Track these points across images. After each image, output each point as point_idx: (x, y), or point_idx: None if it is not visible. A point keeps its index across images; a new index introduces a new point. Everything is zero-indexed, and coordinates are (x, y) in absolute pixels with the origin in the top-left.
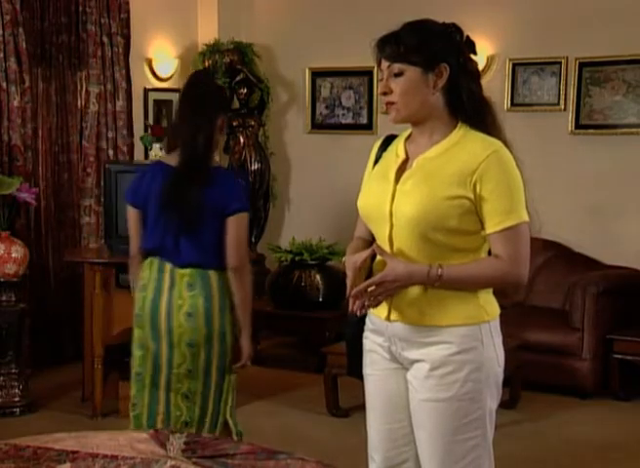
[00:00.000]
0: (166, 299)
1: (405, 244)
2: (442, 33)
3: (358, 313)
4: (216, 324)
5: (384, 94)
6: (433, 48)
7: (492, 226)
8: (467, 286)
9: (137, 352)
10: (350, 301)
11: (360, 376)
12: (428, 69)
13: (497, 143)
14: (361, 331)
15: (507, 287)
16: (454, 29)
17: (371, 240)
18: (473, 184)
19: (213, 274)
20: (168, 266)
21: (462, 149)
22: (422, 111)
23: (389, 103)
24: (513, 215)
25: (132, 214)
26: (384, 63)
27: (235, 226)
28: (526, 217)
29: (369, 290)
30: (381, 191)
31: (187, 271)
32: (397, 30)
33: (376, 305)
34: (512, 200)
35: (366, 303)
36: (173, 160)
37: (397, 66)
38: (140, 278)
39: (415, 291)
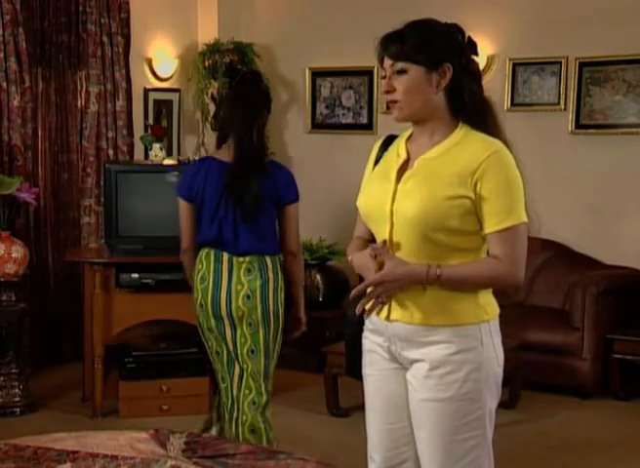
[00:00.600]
0: (225, 287)
1: (405, 243)
2: (445, 33)
3: (365, 315)
4: (270, 303)
5: (387, 92)
6: (437, 48)
7: (491, 226)
8: (465, 286)
9: (209, 335)
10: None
11: (359, 377)
12: (432, 69)
13: (497, 144)
14: (360, 331)
15: (505, 287)
16: (455, 30)
17: (370, 239)
18: (474, 184)
19: (268, 259)
20: (225, 256)
21: (463, 150)
22: (425, 110)
23: (392, 102)
24: (512, 216)
25: (185, 209)
26: (387, 62)
27: (292, 215)
28: (525, 218)
29: (368, 290)
30: (382, 191)
31: (246, 258)
32: (401, 29)
33: (380, 308)
34: (512, 200)
35: (367, 307)
36: (224, 155)
37: (401, 65)
38: (196, 269)
39: (414, 290)
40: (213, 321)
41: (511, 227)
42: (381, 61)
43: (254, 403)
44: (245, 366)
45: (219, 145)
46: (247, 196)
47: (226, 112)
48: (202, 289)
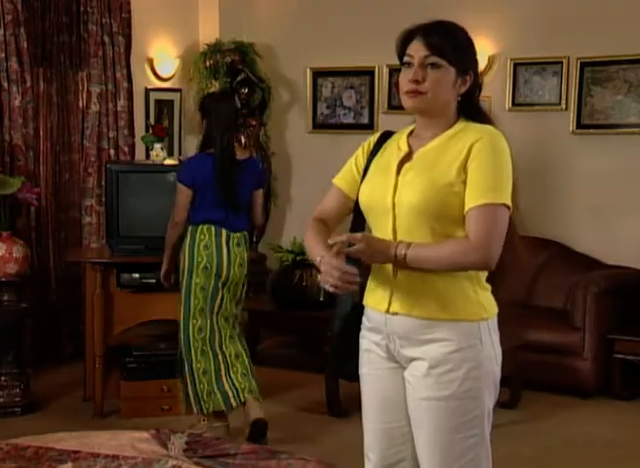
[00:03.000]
0: (226, 256)
1: (409, 235)
2: (472, 43)
3: (328, 288)
4: (248, 267)
5: (416, 81)
6: (468, 55)
7: (470, 202)
8: (434, 265)
9: (200, 294)
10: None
11: (347, 376)
12: (460, 74)
13: (494, 129)
14: (351, 326)
15: (476, 269)
16: None
17: (332, 221)
18: (464, 165)
19: (247, 234)
20: (224, 232)
21: (461, 138)
22: (442, 109)
23: (415, 92)
24: (493, 194)
25: (187, 193)
26: (422, 51)
27: (260, 197)
28: (507, 201)
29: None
30: (383, 183)
31: (238, 234)
32: (440, 25)
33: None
34: (495, 181)
35: (339, 284)
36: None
37: (437, 59)
38: (197, 239)
39: (414, 282)
40: (212, 280)
41: (489, 205)
42: (404, 48)
43: (231, 337)
44: (222, 311)
45: (207, 147)
46: (232, 187)
47: (213, 122)
48: (207, 254)
